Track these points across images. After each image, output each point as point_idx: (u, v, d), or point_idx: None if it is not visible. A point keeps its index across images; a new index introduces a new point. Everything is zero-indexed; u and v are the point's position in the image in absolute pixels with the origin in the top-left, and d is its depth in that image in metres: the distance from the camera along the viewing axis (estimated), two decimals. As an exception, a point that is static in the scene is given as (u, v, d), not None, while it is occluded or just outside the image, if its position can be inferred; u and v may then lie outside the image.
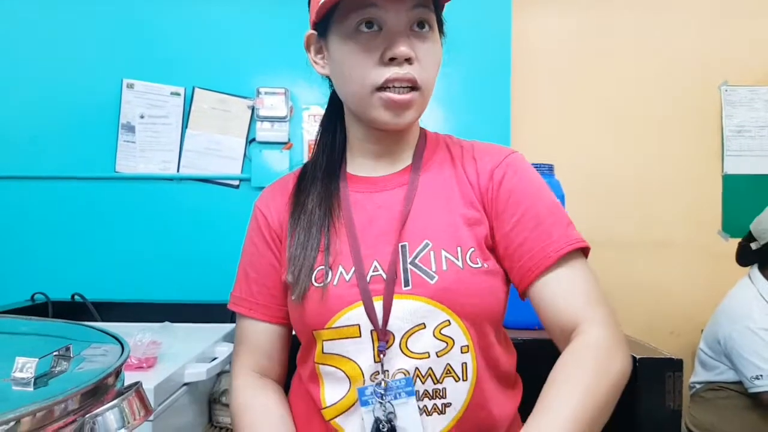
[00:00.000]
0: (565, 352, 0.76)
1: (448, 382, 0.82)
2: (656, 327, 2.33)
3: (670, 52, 2.37)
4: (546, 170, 1.60)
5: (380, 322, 0.81)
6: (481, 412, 0.84)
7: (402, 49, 0.79)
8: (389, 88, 0.81)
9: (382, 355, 0.81)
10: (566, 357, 0.75)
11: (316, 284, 0.84)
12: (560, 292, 0.81)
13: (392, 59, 0.79)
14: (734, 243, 2.21)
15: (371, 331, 0.82)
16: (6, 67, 2.09)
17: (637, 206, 2.35)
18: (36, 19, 2.09)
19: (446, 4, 0.86)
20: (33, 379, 0.53)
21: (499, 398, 0.86)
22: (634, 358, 1.19)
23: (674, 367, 1.17)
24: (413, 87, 0.81)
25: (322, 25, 0.85)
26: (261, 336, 0.93)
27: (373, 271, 0.83)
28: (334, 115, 0.96)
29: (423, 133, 0.97)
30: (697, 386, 2.03)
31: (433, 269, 0.82)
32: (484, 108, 2.13)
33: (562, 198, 1.57)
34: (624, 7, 2.36)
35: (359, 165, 0.94)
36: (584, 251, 0.86)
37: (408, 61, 0.80)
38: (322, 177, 0.92)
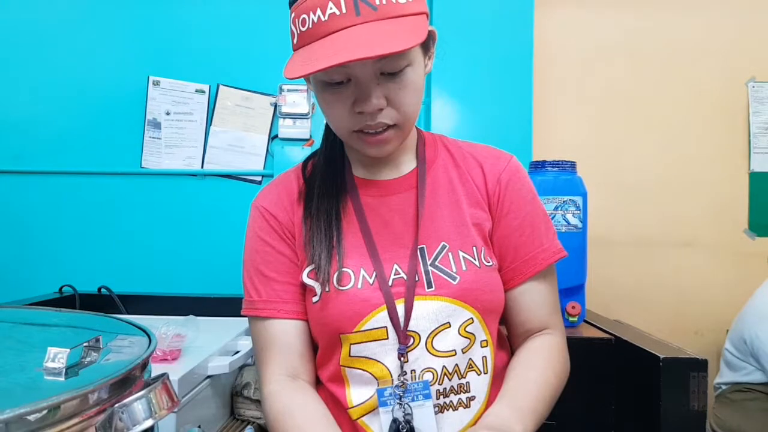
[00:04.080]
0: (537, 346, 0.90)
1: (471, 376, 0.85)
2: (680, 327, 2.29)
3: (696, 47, 2.32)
4: (568, 167, 1.59)
5: (402, 324, 0.83)
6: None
7: (371, 103, 0.78)
8: (364, 131, 0.82)
9: (402, 358, 0.82)
10: (538, 350, 0.90)
11: (340, 287, 0.84)
12: (537, 300, 0.92)
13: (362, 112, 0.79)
14: (761, 242, 2.17)
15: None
16: (34, 65, 2.13)
17: (661, 204, 2.32)
18: (63, 17, 2.13)
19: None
20: (64, 369, 0.54)
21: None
22: (657, 357, 1.18)
23: (699, 367, 1.16)
24: (389, 126, 0.82)
25: None
26: (292, 336, 0.89)
27: (395, 275, 0.85)
28: None
29: (420, 133, 0.98)
30: (723, 387, 2.00)
31: (454, 270, 0.85)
32: (505, 104, 2.11)
33: (584, 195, 1.56)
34: (648, 2, 2.32)
35: (363, 168, 0.94)
36: None
37: (380, 109, 0.79)
38: (331, 180, 0.92)
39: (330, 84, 0.79)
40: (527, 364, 0.88)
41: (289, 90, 2.04)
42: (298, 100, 2.04)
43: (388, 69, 0.77)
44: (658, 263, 2.31)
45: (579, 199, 1.55)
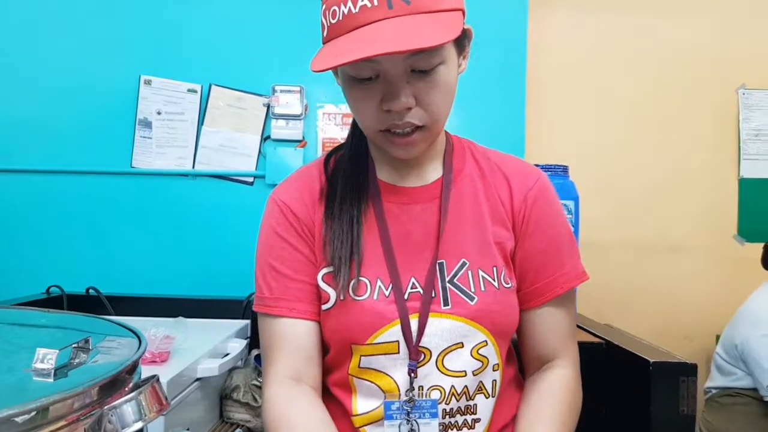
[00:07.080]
0: (545, 386, 0.87)
1: (479, 399, 0.84)
2: (670, 331, 2.31)
3: (687, 54, 2.34)
4: (560, 171, 1.59)
5: (414, 340, 0.81)
6: (501, 422, 0.87)
7: (399, 101, 0.74)
8: (391, 131, 0.79)
9: (412, 374, 0.81)
10: (550, 393, 0.86)
11: (355, 297, 0.82)
12: (551, 326, 0.89)
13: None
14: (750, 247, 2.18)
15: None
16: (25, 64, 2.11)
17: (652, 209, 2.33)
18: (54, 15, 2.11)
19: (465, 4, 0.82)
20: (53, 371, 0.53)
21: (514, 404, 0.90)
22: (647, 361, 1.18)
23: (688, 371, 1.16)
24: (417, 127, 0.78)
25: None
26: (302, 336, 0.85)
27: (411, 288, 0.83)
28: None
29: (449, 139, 0.94)
30: (713, 391, 2.01)
31: (472, 289, 0.83)
32: (498, 108, 2.12)
33: (576, 200, 1.56)
34: (641, 8, 2.34)
35: (388, 171, 0.90)
36: None
37: (408, 108, 0.76)
38: (355, 181, 0.88)
39: (358, 80, 0.76)
40: (537, 414, 0.84)
41: (282, 91, 2.03)
42: (291, 101, 2.04)
43: (420, 66, 0.74)
44: (649, 268, 2.33)
45: (571, 203, 1.55)
